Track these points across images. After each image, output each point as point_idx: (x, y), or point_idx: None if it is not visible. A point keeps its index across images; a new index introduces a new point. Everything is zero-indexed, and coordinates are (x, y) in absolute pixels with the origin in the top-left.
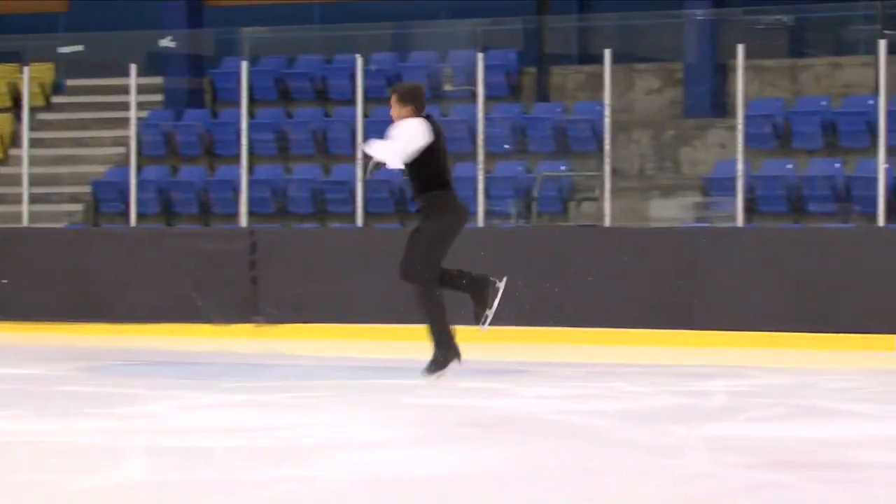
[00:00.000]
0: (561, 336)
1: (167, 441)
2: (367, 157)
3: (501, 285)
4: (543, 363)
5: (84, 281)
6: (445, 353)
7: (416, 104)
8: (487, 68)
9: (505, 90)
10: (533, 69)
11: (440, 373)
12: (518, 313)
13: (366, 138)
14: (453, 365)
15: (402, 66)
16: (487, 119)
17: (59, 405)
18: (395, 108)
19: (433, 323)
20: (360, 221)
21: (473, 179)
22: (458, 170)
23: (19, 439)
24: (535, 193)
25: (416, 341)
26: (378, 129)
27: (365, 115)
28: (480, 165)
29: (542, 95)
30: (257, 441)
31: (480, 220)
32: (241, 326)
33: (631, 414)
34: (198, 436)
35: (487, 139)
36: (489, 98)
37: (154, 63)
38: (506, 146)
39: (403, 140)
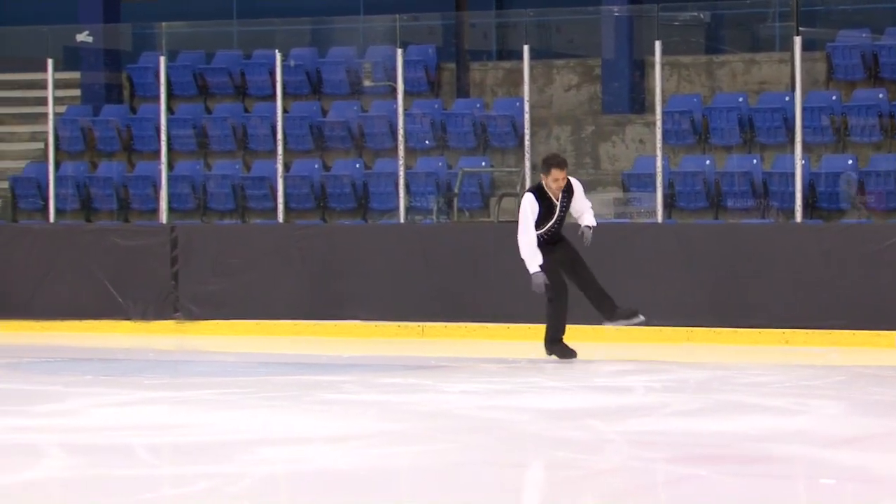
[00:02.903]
0: (483, 332)
1: (87, 438)
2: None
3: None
4: (466, 359)
5: (2, 278)
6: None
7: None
8: (407, 64)
9: (424, 86)
10: (452, 65)
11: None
12: (440, 309)
13: (285, 134)
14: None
15: (321, 61)
16: (407, 115)
17: None
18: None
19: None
20: (280, 217)
21: (394, 175)
22: (378, 165)
23: None
24: (455, 189)
25: (334, 337)
26: (297, 124)
27: (284, 111)
28: (401, 161)
29: (462, 91)
30: (178, 437)
31: (402, 216)
32: (161, 323)
33: (551, 409)
34: (118, 433)
35: (408, 135)
36: (408, 94)
37: (71, 58)
38: (426, 142)
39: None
